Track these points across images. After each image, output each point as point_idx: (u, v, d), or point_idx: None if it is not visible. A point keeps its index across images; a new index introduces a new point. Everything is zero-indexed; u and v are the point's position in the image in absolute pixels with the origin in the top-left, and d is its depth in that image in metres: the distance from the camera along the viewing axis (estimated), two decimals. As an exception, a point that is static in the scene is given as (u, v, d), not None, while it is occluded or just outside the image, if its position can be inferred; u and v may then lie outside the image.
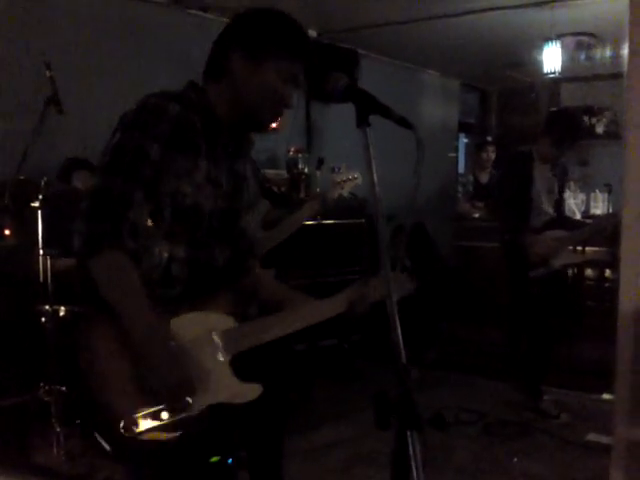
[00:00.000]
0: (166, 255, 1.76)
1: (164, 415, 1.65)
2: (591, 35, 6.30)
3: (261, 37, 1.84)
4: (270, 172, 5.83)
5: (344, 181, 3.06)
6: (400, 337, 1.31)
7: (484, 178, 6.96)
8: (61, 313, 3.60)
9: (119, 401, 1.65)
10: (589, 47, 6.51)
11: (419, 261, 6.86)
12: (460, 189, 7.10)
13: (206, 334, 1.77)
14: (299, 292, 2.09)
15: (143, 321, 1.66)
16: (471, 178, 7.08)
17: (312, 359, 5.14)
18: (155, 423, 1.64)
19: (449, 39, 6.50)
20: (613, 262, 5.01)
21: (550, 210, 4.49)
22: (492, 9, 5.51)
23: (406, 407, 1.23)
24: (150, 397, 1.65)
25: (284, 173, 5.94)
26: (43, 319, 3.56)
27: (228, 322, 1.82)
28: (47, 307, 3.55)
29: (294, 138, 6.25)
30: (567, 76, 7.12)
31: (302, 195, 5.83)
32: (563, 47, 6.13)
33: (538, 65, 6.35)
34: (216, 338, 1.78)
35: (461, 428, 4.12)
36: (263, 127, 1.93)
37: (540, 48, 6.17)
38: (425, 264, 6.89)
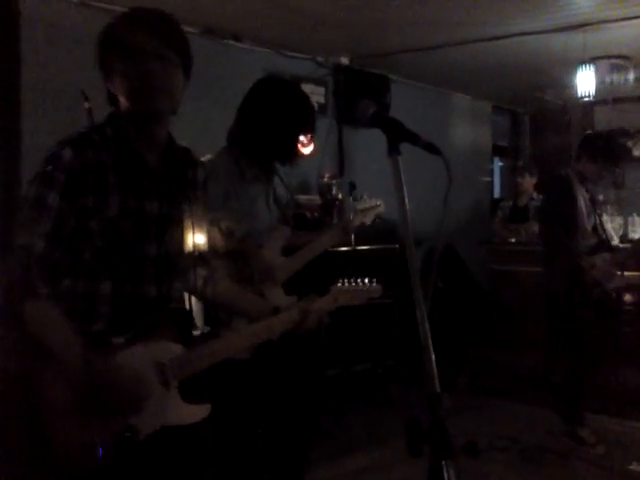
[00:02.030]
0: (90, 292, 1.80)
1: (110, 439, 1.70)
2: (625, 58, 6.27)
3: (101, 50, 1.88)
4: (303, 197, 5.87)
5: (366, 209, 3.08)
6: (434, 366, 1.31)
7: (522, 202, 6.91)
8: None
9: (63, 428, 1.69)
10: (623, 70, 6.47)
11: (451, 283, 6.86)
12: (499, 213, 7.05)
13: (149, 364, 1.81)
14: (250, 294, 2.17)
15: (72, 353, 1.70)
16: (511, 203, 7.04)
17: (345, 384, 5.13)
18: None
19: (480, 63, 6.52)
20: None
21: (592, 233, 4.46)
22: (523, 34, 5.52)
23: (438, 435, 1.23)
24: (94, 421, 1.70)
25: (317, 198, 5.98)
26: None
27: (173, 349, 1.86)
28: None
29: (326, 163, 6.30)
30: (601, 98, 7.07)
31: (335, 220, 5.86)
32: (597, 70, 6.10)
33: (571, 88, 6.33)
34: (161, 367, 1.83)
35: (495, 454, 4.07)
36: (155, 110, 1.86)
37: (573, 71, 6.15)
38: (457, 285, 6.86)
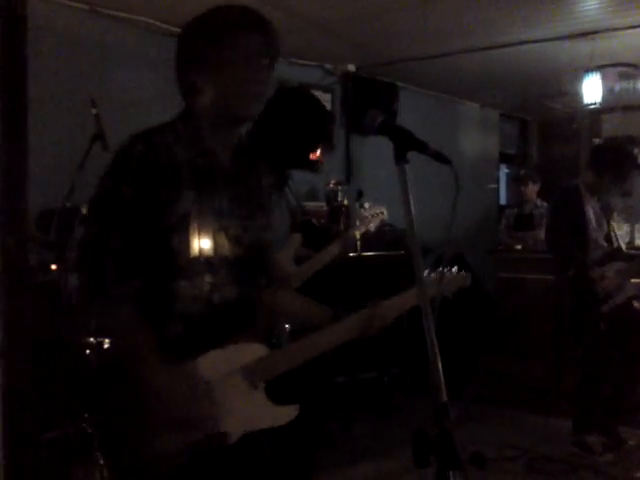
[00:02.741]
0: (165, 291, 1.76)
1: (201, 446, 1.70)
2: (632, 66, 6.26)
3: (200, 45, 1.81)
4: (310, 204, 5.87)
5: (371, 217, 3.08)
6: (441, 375, 1.31)
7: (527, 209, 6.91)
8: (105, 345, 3.65)
9: (151, 436, 1.68)
10: (630, 77, 6.47)
11: (460, 292, 6.84)
12: (504, 221, 7.05)
13: (235, 367, 1.79)
14: (315, 304, 2.11)
15: (149, 360, 1.69)
16: (516, 210, 7.04)
17: (352, 392, 5.12)
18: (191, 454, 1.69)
19: (488, 71, 6.53)
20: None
21: (603, 243, 4.44)
22: (530, 42, 5.52)
23: (445, 447, 1.23)
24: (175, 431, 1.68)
25: (324, 205, 5.98)
26: (87, 351, 3.62)
27: (258, 351, 1.83)
28: (92, 339, 3.61)
29: (333, 170, 6.30)
30: (608, 106, 7.06)
31: (342, 227, 5.86)
32: (604, 78, 6.11)
33: (578, 95, 6.33)
34: (246, 369, 1.80)
35: (503, 464, 4.06)
36: (247, 117, 1.87)
37: (580, 79, 6.15)
38: (466, 295, 6.83)
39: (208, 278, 1.78)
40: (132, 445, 1.70)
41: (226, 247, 1.82)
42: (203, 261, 1.78)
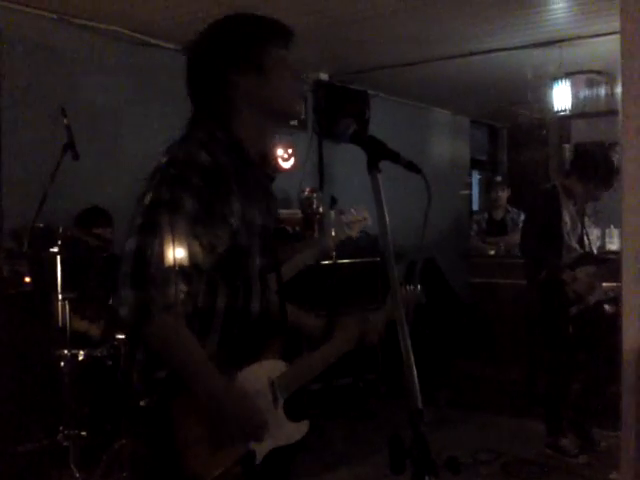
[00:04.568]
0: (208, 306, 1.72)
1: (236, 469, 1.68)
2: (600, 73, 6.36)
3: (246, 44, 1.79)
4: (284, 212, 5.88)
5: (352, 222, 3.05)
6: (415, 381, 1.32)
7: (498, 215, 6.97)
8: (80, 357, 3.63)
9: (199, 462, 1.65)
10: (598, 84, 6.56)
11: (433, 296, 6.88)
12: (475, 227, 7.11)
13: (265, 383, 1.79)
14: (303, 312, 2.11)
15: (208, 379, 1.66)
16: (486, 216, 7.10)
17: (327, 398, 5.12)
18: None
19: (458, 78, 6.59)
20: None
21: (577, 246, 4.48)
22: (500, 50, 5.59)
23: (420, 452, 1.24)
24: (226, 447, 1.67)
25: (298, 213, 5.99)
26: (62, 363, 3.59)
27: (279, 367, 1.83)
28: (65, 351, 3.58)
29: (307, 178, 6.32)
30: (577, 113, 7.15)
31: (316, 234, 5.87)
32: (572, 85, 6.20)
33: (548, 102, 6.41)
34: (272, 385, 1.80)
35: (478, 468, 4.09)
36: (296, 113, 1.92)
37: (549, 86, 6.23)
38: (439, 300, 6.88)
39: (244, 292, 1.78)
40: (182, 464, 1.64)
41: (258, 261, 1.81)
42: (243, 275, 1.77)
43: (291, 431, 1.83)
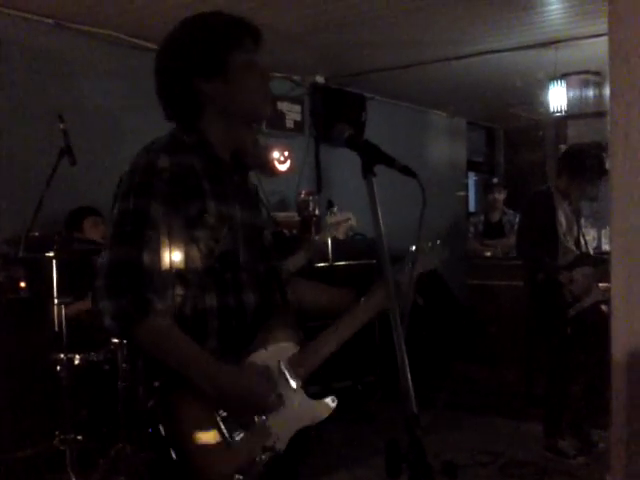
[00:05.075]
0: (199, 306, 1.73)
1: (261, 457, 1.69)
2: (596, 73, 6.37)
3: (211, 48, 1.79)
4: (281, 215, 5.88)
5: (337, 223, 3.04)
6: (410, 385, 1.32)
7: (495, 217, 6.98)
8: (76, 361, 3.63)
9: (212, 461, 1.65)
10: (594, 85, 6.58)
11: (431, 299, 6.87)
12: (471, 229, 7.11)
13: (276, 366, 1.79)
14: (332, 288, 2.13)
15: (209, 366, 1.66)
16: (482, 218, 7.10)
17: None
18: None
19: (454, 80, 6.60)
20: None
21: (573, 247, 4.48)
22: (496, 51, 5.60)
23: (416, 457, 1.24)
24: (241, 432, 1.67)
25: (295, 215, 6.00)
26: (58, 368, 3.59)
27: (290, 349, 1.83)
28: (62, 356, 3.58)
29: (304, 181, 6.33)
30: (573, 114, 7.17)
31: (313, 237, 5.87)
32: (568, 86, 6.22)
33: (544, 103, 6.42)
34: (284, 368, 1.80)
35: (476, 470, 4.09)
36: (267, 116, 1.94)
37: (545, 87, 6.25)
38: (437, 301, 6.88)
39: (234, 287, 1.78)
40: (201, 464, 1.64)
41: (245, 254, 1.83)
42: (230, 270, 1.78)
43: (316, 410, 1.85)
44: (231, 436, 1.66)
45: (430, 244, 2.22)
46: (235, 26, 1.82)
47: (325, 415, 1.86)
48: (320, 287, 2.19)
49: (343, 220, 3.03)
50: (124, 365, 3.54)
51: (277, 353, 1.80)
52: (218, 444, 1.64)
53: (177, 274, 1.69)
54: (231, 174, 1.86)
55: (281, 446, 1.73)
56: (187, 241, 1.70)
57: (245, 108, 1.84)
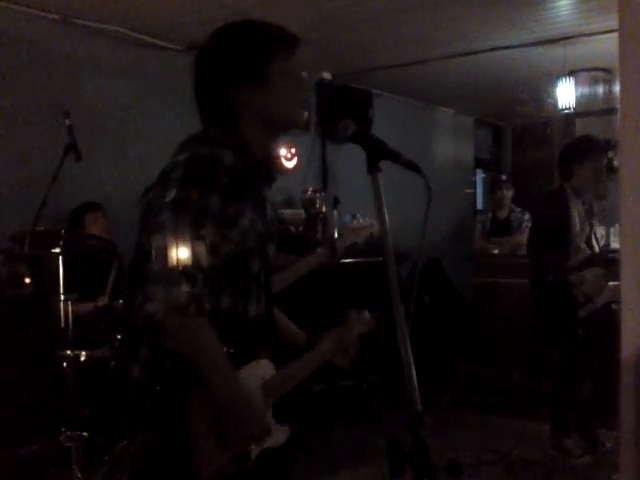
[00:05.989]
0: (213, 306, 1.70)
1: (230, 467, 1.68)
2: (605, 70, 6.33)
3: (249, 57, 1.82)
4: (287, 212, 5.87)
5: (359, 229, 3.08)
6: (415, 384, 1.31)
7: (502, 214, 6.94)
8: (82, 358, 3.62)
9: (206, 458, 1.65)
10: (603, 82, 6.54)
11: (437, 297, 6.86)
12: (479, 227, 7.08)
13: (259, 384, 1.79)
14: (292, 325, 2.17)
15: (232, 382, 1.67)
16: (490, 215, 7.06)
17: (331, 400, 5.11)
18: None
19: (462, 77, 6.57)
20: None
21: (585, 246, 4.44)
22: (503, 48, 5.57)
23: (419, 456, 1.23)
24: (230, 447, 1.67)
25: (301, 213, 5.99)
26: (64, 364, 3.58)
27: (270, 369, 1.83)
28: (68, 352, 3.58)
29: (310, 178, 6.31)
30: (582, 111, 7.13)
31: (319, 234, 5.86)
32: (577, 83, 6.17)
33: (552, 100, 6.39)
34: (264, 387, 1.80)
35: (481, 469, 4.07)
36: (299, 123, 1.96)
37: (554, 84, 6.21)
38: (443, 300, 6.86)
39: (244, 294, 1.78)
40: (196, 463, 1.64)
41: (257, 263, 1.82)
42: (245, 277, 1.78)
43: (277, 433, 1.82)
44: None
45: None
46: (274, 35, 1.85)
47: (282, 441, 1.83)
48: (283, 317, 2.20)
49: (367, 226, 3.07)
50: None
51: (263, 370, 1.81)
52: (210, 440, 1.65)
53: (214, 273, 1.68)
54: (260, 181, 1.88)
55: (250, 461, 1.73)
56: (227, 241, 1.69)
57: (280, 115, 1.87)
